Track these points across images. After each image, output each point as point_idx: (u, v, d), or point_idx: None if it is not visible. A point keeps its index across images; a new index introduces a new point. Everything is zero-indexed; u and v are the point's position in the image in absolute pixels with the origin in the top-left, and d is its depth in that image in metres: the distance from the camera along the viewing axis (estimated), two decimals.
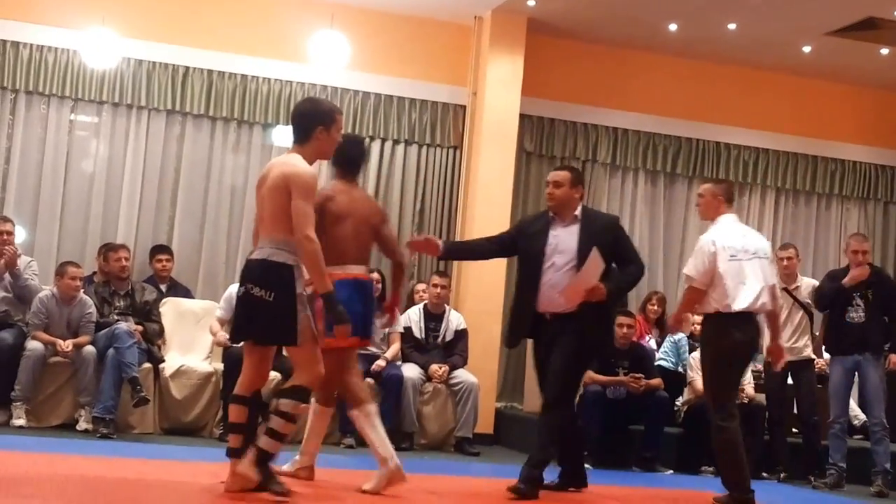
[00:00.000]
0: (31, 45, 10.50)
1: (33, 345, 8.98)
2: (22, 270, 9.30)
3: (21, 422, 8.77)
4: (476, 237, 10.87)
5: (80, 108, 10.83)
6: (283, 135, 11.22)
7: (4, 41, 10.44)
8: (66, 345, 8.99)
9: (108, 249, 9.73)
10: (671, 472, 9.51)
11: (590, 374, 9.45)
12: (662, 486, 8.71)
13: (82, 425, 8.89)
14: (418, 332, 10.12)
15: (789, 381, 9.87)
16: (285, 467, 6.72)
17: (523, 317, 7.28)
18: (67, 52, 10.57)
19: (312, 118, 6.09)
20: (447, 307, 10.32)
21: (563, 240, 7.16)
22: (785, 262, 9.87)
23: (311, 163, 6.04)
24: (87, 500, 5.71)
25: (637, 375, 9.60)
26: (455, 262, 11.25)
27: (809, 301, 9.79)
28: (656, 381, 9.72)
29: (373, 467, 6.58)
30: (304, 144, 6.08)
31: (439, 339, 10.20)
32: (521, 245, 7.34)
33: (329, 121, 6.10)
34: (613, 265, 7.18)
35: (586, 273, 6.97)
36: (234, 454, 5.98)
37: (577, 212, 7.23)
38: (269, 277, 5.85)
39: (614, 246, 7.17)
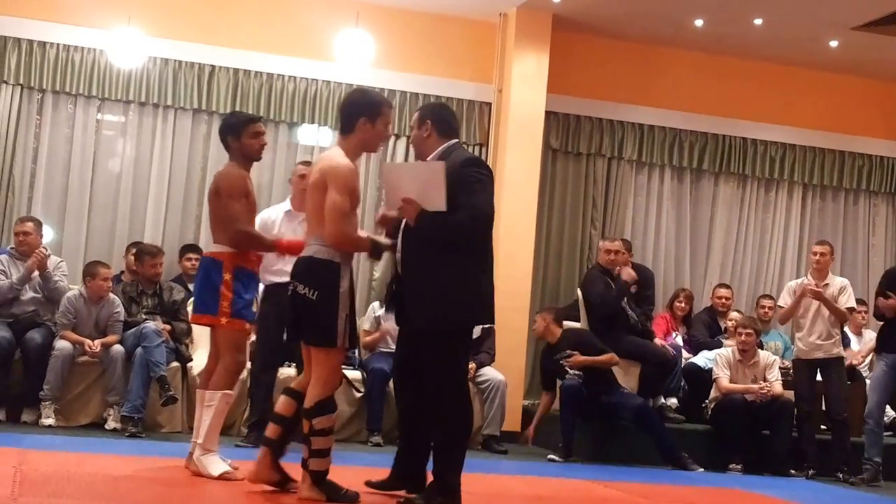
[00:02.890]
0: (58, 44, 10.53)
1: (61, 344, 9.02)
2: (51, 271, 9.34)
3: (50, 421, 8.81)
4: (503, 235, 10.95)
5: (106, 108, 10.85)
6: (309, 133, 11.26)
7: (31, 41, 10.47)
8: (95, 344, 9.03)
9: (144, 253, 9.66)
10: (702, 469, 9.44)
11: (576, 359, 9.56)
12: (692, 484, 8.67)
13: (111, 424, 8.92)
14: None
15: (818, 377, 9.84)
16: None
17: (389, 282, 6.54)
18: (94, 51, 10.60)
19: (356, 109, 5.99)
20: None
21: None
22: (817, 258, 9.85)
23: (354, 156, 5.95)
24: (116, 498, 5.74)
25: (569, 352, 9.57)
26: None
27: (837, 298, 9.76)
28: (606, 357, 9.63)
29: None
30: (347, 136, 6.00)
31: None
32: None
33: (374, 113, 5.96)
34: None
35: (417, 173, 6.13)
36: (267, 443, 6.01)
37: (433, 156, 6.17)
38: (312, 275, 5.79)
39: (453, 187, 5.89)
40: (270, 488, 6.06)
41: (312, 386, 5.81)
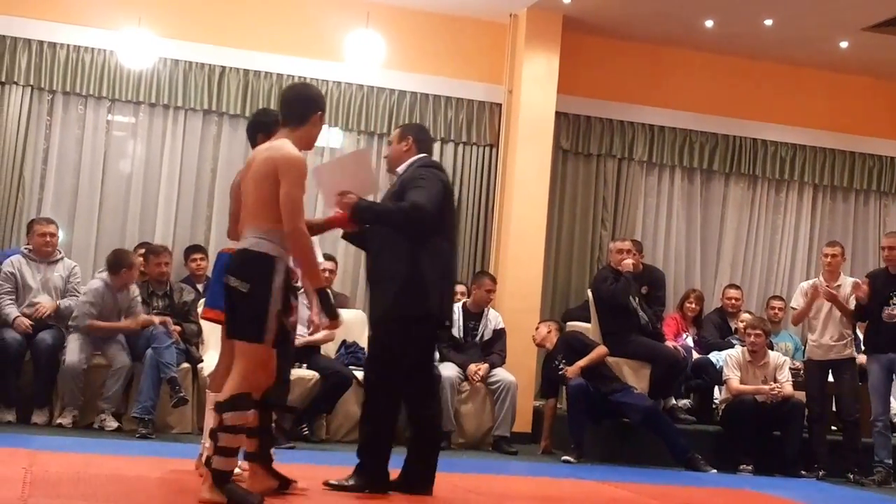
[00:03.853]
0: (68, 45, 10.54)
1: (70, 353, 9.02)
2: (64, 280, 9.40)
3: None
4: (513, 236, 10.95)
5: (116, 109, 10.87)
6: (320, 134, 11.23)
7: (42, 42, 10.48)
8: (128, 323, 9.09)
9: (149, 252, 9.73)
10: (714, 471, 9.40)
11: (575, 367, 9.62)
12: (703, 486, 8.66)
13: (109, 424, 8.93)
14: (457, 331, 10.10)
15: (829, 378, 9.83)
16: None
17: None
18: (104, 52, 10.61)
19: (313, 103, 5.92)
20: (487, 306, 10.30)
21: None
22: (829, 259, 9.86)
23: (299, 148, 5.78)
24: (126, 500, 5.73)
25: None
26: (492, 261, 11.27)
27: (849, 298, 9.75)
28: (594, 353, 9.66)
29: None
30: (297, 129, 5.82)
31: (477, 338, 10.19)
32: None
33: (324, 108, 5.95)
34: None
35: (344, 165, 6.42)
36: (251, 458, 5.91)
37: (401, 168, 6.59)
38: (246, 268, 5.56)
39: (404, 185, 6.41)
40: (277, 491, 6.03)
41: (231, 379, 5.55)
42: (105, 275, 9.28)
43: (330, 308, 5.71)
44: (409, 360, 6.33)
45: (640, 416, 9.45)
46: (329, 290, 5.65)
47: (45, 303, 9.25)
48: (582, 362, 9.59)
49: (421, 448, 6.47)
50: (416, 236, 6.25)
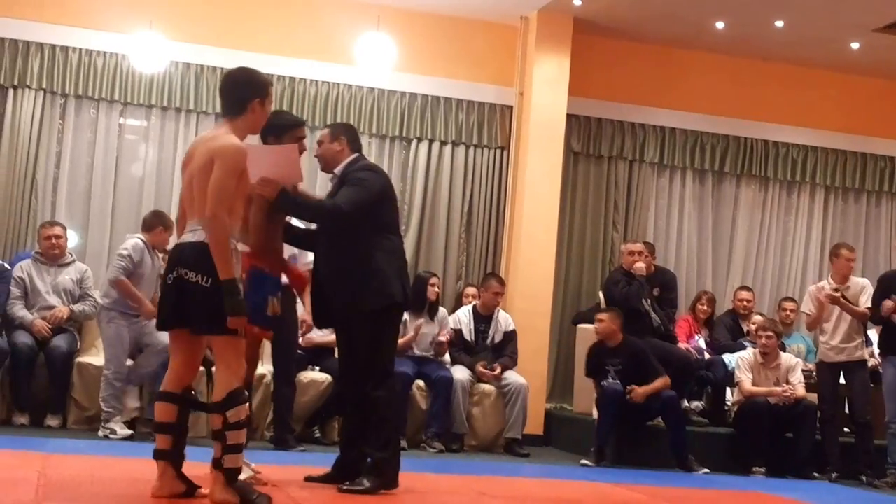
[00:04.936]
0: (80, 49, 10.57)
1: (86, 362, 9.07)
2: (76, 283, 9.41)
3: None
4: (524, 238, 10.95)
5: (129, 112, 10.89)
6: None
7: (54, 46, 10.51)
8: (148, 305, 8.76)
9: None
10: (706, 470, 9.37)
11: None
12: (715, 488, 8.65)
13: (104, 432, 8.80)
14: (468, 333, 10.11)
15: (841, 380, 9.82)
16: None
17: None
18: (116, 56, 10.64)
19: (251, 90, 5.72)
20: (496, 309, 10.31)
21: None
22: (851, 264, 9.89)
23: (242, 137, 5.66)
24: (140, 503, 5.73)
25: (631, 387, 9.38)
26: (503, 263, 11.27)
27: (859, 299, 9.75)
28: (657, 383, 9.44)
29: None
30: (236, 117, 5.67)
31: (488, 341, 10.20)
32: None
33: (265, 94, 5.77)
34: None
35: (276, 154, 6.29)
36: (161, 456, 5.60)
37: (339, 168, 6.68)
38: (205, 261, 5.37)
39: (338, 187, 6.57)
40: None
41: (221, 376, 5.47)
42: (140, 235, 9.10)
43: (232, 303, 5.37)
44: (387, 347, 6.57)
45: (660, 403, 9.41)
46: (239, 283, 5.50)
47: (61, 308, 9.27)
48: (648, 390, 9.37)
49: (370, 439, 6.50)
50: (355, 234, 6.42)
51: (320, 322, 7.26)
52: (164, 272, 5.67)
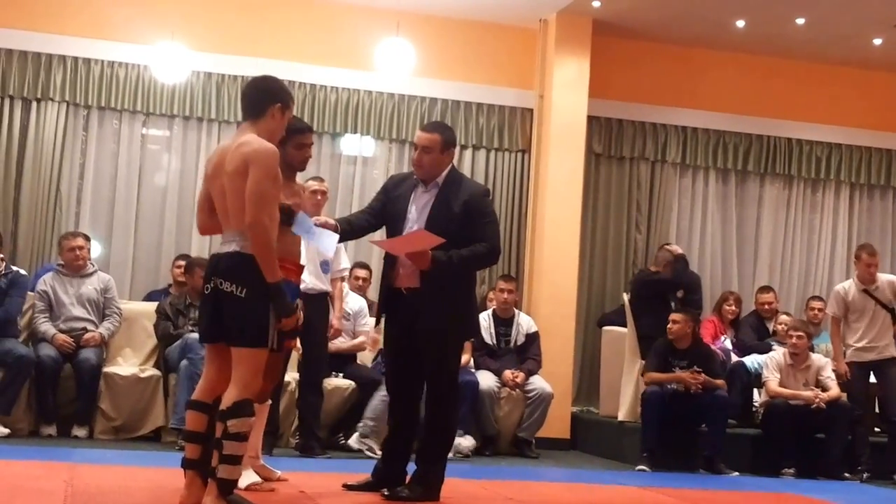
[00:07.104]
0: (103, 61, 10.63)
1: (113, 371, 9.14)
2: (99, 293, 9.46)
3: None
4: (547, 241, 10.92)
5: (151, 123, 10.95)
6: (352, 143, 11.33)
7: (76, 58, 10.57)
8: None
9: (195, 265, 9.45)
10: (736, 473, 9.36)
11: (650, 375, 9.44)
12: (745, 489, 8.61)
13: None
14: (489, 337, 10.07)
15: (872, 379, 9.75)
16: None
17: (383, 290, 6.60)
18: (138, 67, 10.69)
19: (271, 95, 5.68)
20: (516, 311, 10.27)
21: (420, 206, 6.48)
22: (871, 269, 9.80)
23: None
24: None
25: (697, 370, 9.37)
26: (526, 267, 11.25)
27: (891, 298, 9.69)
28: (718, 382, 9.49)
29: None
30: (257, 121, 5.61)
31: (511, 344, 10.16)
32: (388, 210, 6.61)
33: (286, 102, 5.72)
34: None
35: (406, 241, 6.33)
36: (190, 465, 5.56)
37: (441, 177, 6.49)
38: (241, 271, 5.36)
39: (464, 219, 6.35)
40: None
41: (233, 386, 5.38)
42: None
43: (282, 305, 5.41)
44: (457, 367, 6.64)
45: (709, 396, 9.34)
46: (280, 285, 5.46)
47: (94, 334, 9.27)
48: (708, 382, 9.34)
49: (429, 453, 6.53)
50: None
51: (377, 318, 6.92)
52: (202, 283, 5.65)
